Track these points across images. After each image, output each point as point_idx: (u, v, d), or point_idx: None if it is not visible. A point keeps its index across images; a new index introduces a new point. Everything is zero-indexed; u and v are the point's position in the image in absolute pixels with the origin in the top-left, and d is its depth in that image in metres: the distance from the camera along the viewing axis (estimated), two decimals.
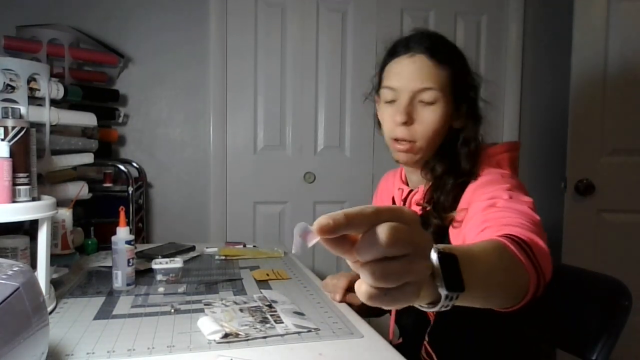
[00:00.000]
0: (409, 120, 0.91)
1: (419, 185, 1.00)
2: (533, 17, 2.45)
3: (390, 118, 0.94)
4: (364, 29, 2.31)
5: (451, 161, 0.93)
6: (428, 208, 0.94)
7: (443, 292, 0.42)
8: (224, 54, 2.22)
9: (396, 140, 0.94)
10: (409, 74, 0.90)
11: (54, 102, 1.19)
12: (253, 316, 0.90)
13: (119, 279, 1.07)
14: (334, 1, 2.30)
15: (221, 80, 2.22)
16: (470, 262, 0.47)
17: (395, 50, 0.95)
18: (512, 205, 0.77)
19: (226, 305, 0.95)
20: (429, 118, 0.91)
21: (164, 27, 2.15)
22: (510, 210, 0.76)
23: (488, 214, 0.77)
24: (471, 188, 0.89)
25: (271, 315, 0.91)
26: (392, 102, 0.94)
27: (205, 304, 0.96)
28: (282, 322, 0.87)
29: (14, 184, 0.84)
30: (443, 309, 0.44)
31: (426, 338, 0.98)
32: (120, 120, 2.07)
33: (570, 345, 1.02)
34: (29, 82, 1.05)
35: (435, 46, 0.91)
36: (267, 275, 1.21)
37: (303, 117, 2.31)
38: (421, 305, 0.44)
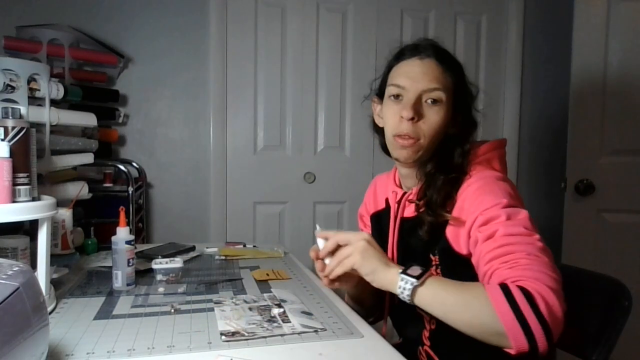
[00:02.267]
0: (416, 117, 0.93)
1: (413, 188, 1.02)
2: (533, 17, 2.45)
3: (395, 114, 0.96)
4: (364, 29, 2.32)
5: (442, 160, 0.97)
6: (421, 208, 0.96)
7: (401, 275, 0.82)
8: (224, 54, 2.22)
9: (400, 136, 0.95)
10: (418, 74, 0.94)
11: (54, 102, 1.19)
12: (261, 315, 0.90)
13: (119, 279, 1.07)
14: (334, 1, 2.30)
15: (221, 80, 2.22)
16: (435, 284, 0.81)
17: (403, 53, 0.99)
18: (511, 230, 0.80)
19: (236, 304, 0.96)
20: (433, 117, 0.94)
21: (164, 27, 2.15)
22: (515, 244, 0.78)
23: (493, 251, 0.80)
24: (464, 192, 0.90)
25: (279, 314, 0.91)
26: (398, 98, 0.96)
27: (215, 302, 0.97)
28: (290, 322, 0.87)
29: (14, 184, 0.84)
30: (400, 293, 0.82)
31: (427, 342, 0.99)
32: (120, 120, 2.07)
33: (570, 345, 1.02)
34: (29, 82, 1.05)
35: (443, 53, 0.97)
36: (267, 275, 1.21)
37: (303, 117, 2.31)
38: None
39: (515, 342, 0.70)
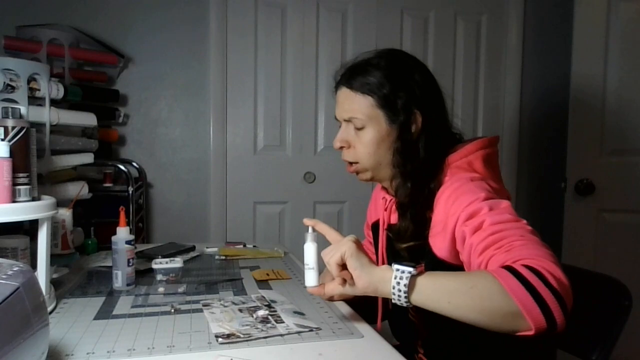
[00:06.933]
0: (345, 145, 0.99)
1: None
2: (533, 17, 2.45)
3: None
4: (364, 29, 2.31)
5: (407, 175, 0.94)
6: (391, 235, 0.98)
7: (395, 266, 0.74)
8: (224, 53, 2.22)
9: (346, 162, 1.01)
10: (339, 105, 0.99)
11: (54, 102, 1.19)
12: (253, 316, 0.90)
13: (119, 279, 1.07)
14: (334, 1, 2.30)
15: (221, 80, 2.22)
16: (433, 274, 0.75)
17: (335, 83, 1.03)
18: (498, 219, 0.76)
19: (225, 306, 0.96)
20: (361, 142, 0.97)
21: (164, 27, 2.15)
22: (505, 230, 0.75)
23: (484, 240, 0.76)
24: (439, 201, 0.87)
25: (271, 315, 0.91)
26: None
27: (203, 305, 0.96)
28: (283, 322, 0.87)
29: (14, 184, 0.84)
30: (396, 285, 0.73)
31: (421, 350, 0.98)
32: (120, 120, 2.07)
33: (570, 345, 1.02)
34: (29, 82, 1.05)
35: (354, 78, 0.96)
36: (267, 275, 1.21)
37: (303, 117, 2.31)
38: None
39: (533, 319, 0.65)
